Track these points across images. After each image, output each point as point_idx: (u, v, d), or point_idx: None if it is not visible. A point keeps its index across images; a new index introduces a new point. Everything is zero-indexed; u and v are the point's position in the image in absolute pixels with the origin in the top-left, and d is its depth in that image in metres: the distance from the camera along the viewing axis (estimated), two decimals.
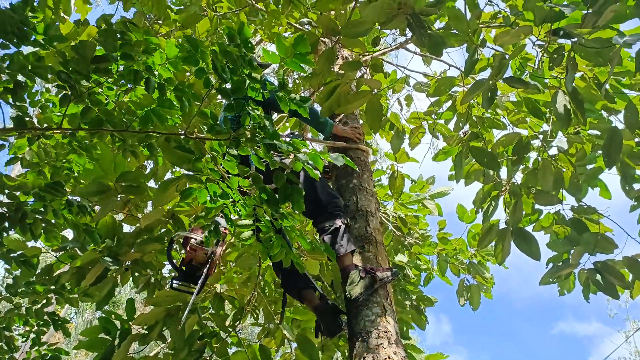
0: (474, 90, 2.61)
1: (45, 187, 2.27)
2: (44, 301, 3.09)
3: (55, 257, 2.95)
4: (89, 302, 3.23)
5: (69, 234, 3.01)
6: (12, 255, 2.54)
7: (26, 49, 2.12)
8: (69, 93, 1.98)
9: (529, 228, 3.66)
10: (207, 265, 2.44)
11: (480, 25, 2.72)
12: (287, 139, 2.42)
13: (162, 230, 3.03)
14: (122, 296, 12.77)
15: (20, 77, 2.05)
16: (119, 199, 2.83)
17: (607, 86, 2.99)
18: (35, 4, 2.09)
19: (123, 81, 2.03)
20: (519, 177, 3.56)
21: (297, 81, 5.27)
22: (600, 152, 3.18)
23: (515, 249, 3.23)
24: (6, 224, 2.26)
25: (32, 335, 3.16)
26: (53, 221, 2.43)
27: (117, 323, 2.90)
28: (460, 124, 3.75)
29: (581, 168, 3.32)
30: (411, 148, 4.53)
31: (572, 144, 3.28)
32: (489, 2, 3.04)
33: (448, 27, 2.65)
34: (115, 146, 2.27)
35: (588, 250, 2.97)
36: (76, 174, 2.67)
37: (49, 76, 2.03)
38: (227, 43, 1.82)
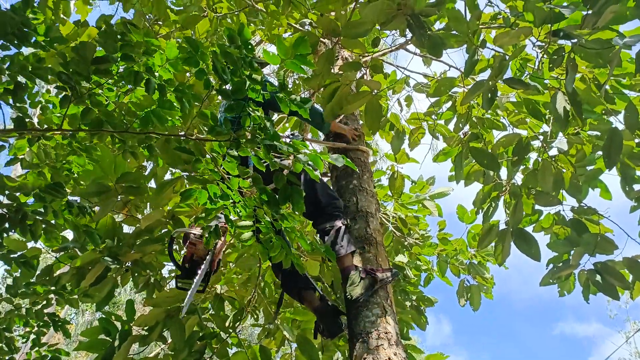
0: (474, 91, 2.61)
1: (46, 188, 2.27)
2: (44, 302, 3.09)
3: (55, 257, 2.95)
4: (89, 303, 3.22)
5: (69, 234, 3.01)
6: (12, 256, 2.54)
7: (26, 50, 2.12)
8: (69, 94, 1.98)
9: (529, 229, 3.66)
10: (209, 257, 2.43)
11: (480, 26, 2.73)
12: (287, 140, 2.42)
13: (163, 231, 3.03)
14: (121, 297, 12.77)
15: (20, 78, 2.05)
16: (119, 199, 2.83)
17: (607, 87, 3.00)
18: (35, 4, 2.09)
19: (123, 82, 2.03)
20: (519, 178, 3.57)
21: (297, 82, 5.28)
22: (600, 153, 3.18)
23: (516, 249, 3.24)
24: (6, 225, 2.26)
25: (32, 336, 3.16)
26: (53, 222, 2.43)
27: (117, 324, 2.90)
28: (460, 125, 3.75)
29: (581, 169, 3.32)
30: (411, 149, 4.53)
31: (572, 145, 3.28)
32: (489, 3, 3.04)
33: (448, 28, 2.65)
34: (115, 147, 2.28)
35: (588, 251, 2.97)
36: (76, 175, 2.67)
37: (49, 77, 2.03)
38: (228, 44, 1.82)
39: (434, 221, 6.71)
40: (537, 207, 3.62)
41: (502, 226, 3.39)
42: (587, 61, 2.59)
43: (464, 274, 4.81)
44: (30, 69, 2.01)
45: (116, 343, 2.84)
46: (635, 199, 3.09)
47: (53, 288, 2.96)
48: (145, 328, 2.95)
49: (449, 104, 3.98)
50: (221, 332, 3.18)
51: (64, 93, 2.01)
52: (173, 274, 3.88)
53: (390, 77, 4.41)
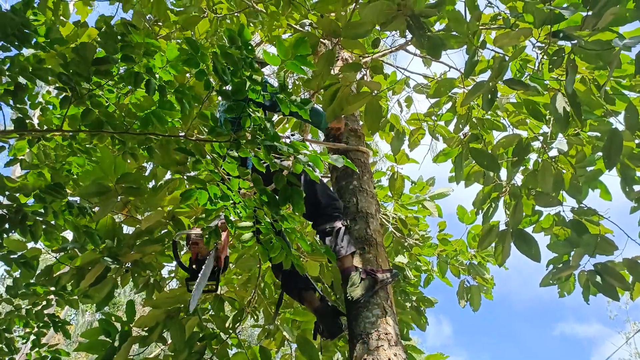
0: (474, 92, 2.61)
1: (46, 188, 2.27)
2: (44, 303, 3.09)
3: (55, 258, 2.95)
4: (89, 304, 3.22)
5: (69, 235, 3.01)
6: (12, 256, 2.54)
7: (26, 51, 2.13)
8: (70, 95, 1.98)
9: (529, 229, 3.66)
10: (213, 253, 2.43)
11: (480, 27, 2.73)
12: (287, 141, 2.42)
13: (163, 232, 3.03)
14: (121, 298, 12.77)
15: (21, 79, 2.05)
16: (118, 200, 2.83)
17: (607, 88, 3.00)
18: (35, 5, 2.09)
19: (123, 84, 2.03)
20: (519, 179, 3.57)
21: (297, 82, 5.28)
22: (600, 153, 3.18)
23: (516, 250, 3.24)
24: (7, 226, 2.26)
25: (32, 337, 3.16)
26: (53, 222, 2.43)
27: (117, 325, 2.90)
28: (460, 126, 3.75)
29: (581, 170, 3.32)
30: (411, 149, 4.53)
31: (572, 146, 3.28)
32: (489, 4, 3.04)
33: (448, 29, 2.65)
34: (115, 148, 2.28)
35: (588, 251, 2.97)
36: (75, 175, 2.67)
37: (50, 78, 2.03)
38: (228, 45, 1.83)
39: (434, 222, 6.71)
40: (537, 207, 3.62)
41: (502, 227, 3.39)
42: (587, 62, 2.59)
43: (464, 274, 4.82)
44: (30, 70, 2.01)
45: (116, 344, 2.84)
46: (635, 199, 3.09)
47: (53, 289, 2.96)
48: (145, 329, 2.95)
49: (449, 104, 3.98)
50: (221, 333, 3.18)
51: (64, 94, 2.01)
52: (173, 275, 3.88)
53: (390, 77, 4.41)
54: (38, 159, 2.64)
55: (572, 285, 3.54)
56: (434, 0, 2.58)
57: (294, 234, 2.07)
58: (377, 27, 2.67)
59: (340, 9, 3.15)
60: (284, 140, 2.21)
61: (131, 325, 2.91)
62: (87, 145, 2.41)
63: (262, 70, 3.21)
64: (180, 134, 2.05)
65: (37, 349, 3.20)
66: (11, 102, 2.06)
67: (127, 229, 3.11)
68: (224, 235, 2.46)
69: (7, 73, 1.99)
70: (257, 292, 3.67)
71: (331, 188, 3.16)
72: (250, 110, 1.90)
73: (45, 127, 2.38)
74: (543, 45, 2.64)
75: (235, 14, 4.10)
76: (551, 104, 2.61)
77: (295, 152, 1.91)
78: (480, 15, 2.63)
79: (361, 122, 3.69)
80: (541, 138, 3.41)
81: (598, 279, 2.96)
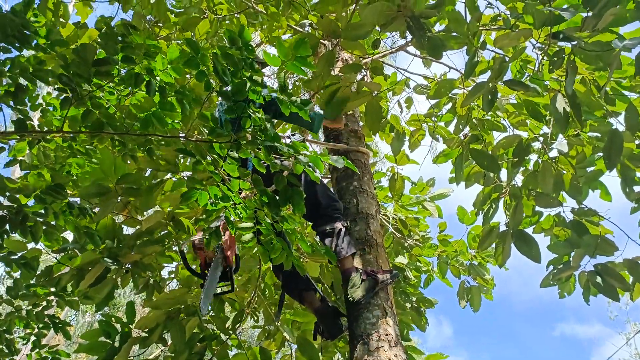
0: (474, 93, 2.61)
1: (46, 189, 2.27)
2: (45, 304, 3.09)
3: (55, 258, 2.95)
4: (89, 305, 3.22)
5: (69, 235, 3.01)
6: (12, 257, 2.54)
7: (26, 52, 2.12)
8: (70, 96, 1.98)
9: (529, 230, 3.66)
10: (218, 254, 2.43)
11: (480, 28, 2.73)
12: (288, 141, 2.41)
13: (163, 233, 3.03)
14: (121, 299, 12.76)
15: (21, 81, 2.05)
16: (119, 200, 2.83)
17: (607, 89, 3.00)
18: (35, 6, 2.09)
19: (124, 86, 2.03)
20: (519, 180, 3.57)
21: (297, 83, 5.28)
22: (600, 154, 3.18)
23: (516, 251, 3.24)
24: (7, 227, 2.26)
25: (33, 338, 3.16)
26: (53, 223, 2.43)
27: (117, 326, 2.90)
28: (461, 126, 3.75)
29: (581, 170, 3.32)
30: (411, 150, 4.53)
31: (572, 147, 3.28)
32: (489, 5, 3.04)
33: (448, 30, 2.65)
34: (115, 150, 2.28)
35: (588, 252, 2.97)
36: (75, 177, 2.67)
37: (50, 79, 2.03)
38: (228, 46, 1.83)
39: (434, 222, 6.71)
40: (537, 208, 3.62)
41: (502, 228, 3.39)
42: (587, 63, 2.59)
43: (464, 275, 4.81)
44: (31, 71, 2.01)
45: (116, 345, 2.84)
46: (635, 200, 3.09)
47: (53, 290, 2.96)
48: (146, 330, 2.95)
49: (449, 105, 3.98)
50: (221, 334, 3.17)
51: (64, 95, 2.01)
52: (173, 275, 3.88)
53: (390, 78, 4.42)
54: (38, 160, 2.64)
55: (573, 285, 3.54)
56: (434, 1, 2.58)
57: (294, 235, 2.07)
58: (377, 28, 2.67)
59: (340, 10, 3.15)
60: (284, 140, 2.21)
61: (131, 326, 2.90)
62: (87, 147, 2.41)
63: (263, 70, 3.21)
64: (180, 135, 2.05)
65: (37, 350, 3.19)
66: (11, 103, 2.06)
67: (127, 230, 3.11)
68: (226, 235, 2.46)
69: (7, 74, 1.98)
70: (257, 292, 3.67)
71: (331, 189, 3.16)
72: (251, 111, 1.90)
73: (45, 129, 2.38)
74: (543, 46, 2.64)
75: (236, 15, 4.10)
76: (551, 104, 2.62)
77: (296, 152, 1.91)
78: (480, 16, 2.63)
79: (361, 123, 3.69)
80: (541, 139, 3.41)
81: (598, 279, 2.96)
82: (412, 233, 4.74)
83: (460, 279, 4.79)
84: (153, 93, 1.96)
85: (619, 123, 2.93)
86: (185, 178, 2.65)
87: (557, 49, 2.57)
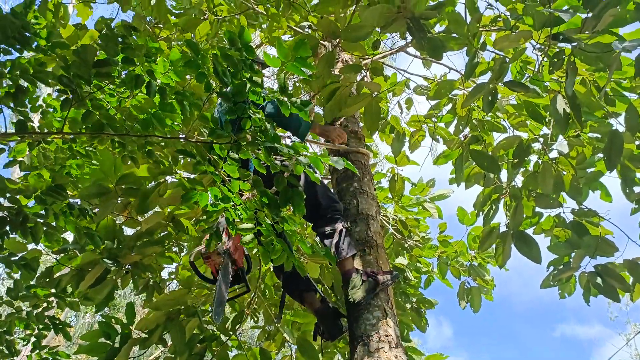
0: (474, 94, 2.61)
1: (47, 190, 2.27)
2: (45, 305, 3.09)
3: (55, 259, 2.95)
4: (89, 306, 3.22)
5: (69, 236, 3.01)
6: (12, 258, 2.54)
7: (27, 54, 2.12)
8: (70, 97, 1.98)
9: (530, 231, 3.66)
10: (225, 259, 2.43)
11: (480, 29, 2.73)
12: (288, 141, 2.41)
13: (163, 234, 3.03)
14: (121, 300, 12.75)
15: (22, 82, 2.05)
16: (119, 201, 2.83)
17: (607, 90, 3.00)
18: (35, 7, 2.09)
19: (125, 88, 2.03)
20: (519, 180, 3.57)
21: (297, 84, 5.28)
22: (600, 155, 3.18)
23: (516, 251, 3.24)
24: (7, 228, 2.26)
25: (33, 339, 3.16)
26: (54, 224, 2.43)
27: (117, 327, 2.90)
28: (461, 127, 3.75)
29: (582, 171, 3.32)
30: (411, 151, 4.53)
31: (572, 147, 3.28)
32: (489, 6, 3.05)
33: (448, 31, 2.66)
34: (115, 151, 2.28)
35: (589, 253, 2.97)
36: (74, 178, 2.67)
37: (50, 80, 2.03)
38: (228, 47, 1.83)
39: (435, 223, 6.72)
40: (537, 209, 3.62)
41: (502, 228, 3.39)
42: (587, 64, 2.59)
43: (464, 276, 4.82)
44: (31, 72, 2.01)
45: (116, 346, 2.84)
46: (635, 201, 3.09)
47: (53, 291, 2.96)
48: (146, 331, 2.95)
49: (449, 106, 3.98)
50: (221, 335, 3.18)
51: (64, 96, 2.01)
52: (173, 276, 3.88)
53: (390, 79, 4.42)
54: (37, 162, 2.64)
55: (573, 286, 3.54)
56: (434, 2, 2.58)
57: (294, 236, 2.07)
58: (377, 29, 2.67)
59: (340, 11, 3.16)
60: (284, 141, 2.21)
61: (131, 327, 2.90)
62: (87, 148, 2.41)
63: (263, 71, 3.21)
64: (181, 136, 2.05)
65: (37, 351, 3.20)
66: (12, 104, 2.06)
67: (127, 231, 3.11)
68: (231, 241, 2.46)
69: (8, 76, 1.99)
70: (257, 293, 3.67)
71: (331, 189, 3.16)
72: (251, 111, 1.90)
73: (45, 130, 2.38)
74: (543, 47, 2.64)
75: (236, 16, 4.10)
76: (551, 105, 2.62)
77: (296, 153, 1.92)
78: (480, 17, 2.63)
79: (361, 124, 3.69)
80: (541, 140, 3.41)
81: (599, 280, 2.96)
82: (412, 234, 4.74)
83: (461, 280, 4.80)
84: (153, 94, 1.96)
85: (619, 124, 2.93)
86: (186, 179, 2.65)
87: (557, 50, 2.57)
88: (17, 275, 2.93)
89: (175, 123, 2.11)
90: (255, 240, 2.05)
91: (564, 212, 3.38)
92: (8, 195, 2.28)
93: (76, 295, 2.95)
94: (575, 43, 2.32)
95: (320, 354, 3.30)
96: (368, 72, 3.92)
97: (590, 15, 2.24)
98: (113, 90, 2.06)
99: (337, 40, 3.13)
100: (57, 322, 3.10)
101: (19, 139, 2.36)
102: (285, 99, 1.91)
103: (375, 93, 3.15)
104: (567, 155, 3.28)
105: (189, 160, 3.02)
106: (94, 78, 1.97)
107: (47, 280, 2.97)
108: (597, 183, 3.43)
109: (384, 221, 4.50)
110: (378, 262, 2.72)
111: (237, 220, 2.02)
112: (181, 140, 2.08)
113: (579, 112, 2.49)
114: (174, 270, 3.78)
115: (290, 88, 5.33)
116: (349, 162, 2.06)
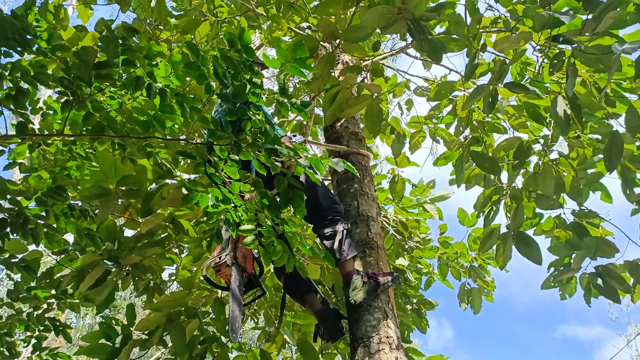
0: (475, 96, 2.62)
1: (47, 191, 2.27)
2: (45, 306, 3.09)
3: (56, 260, 2.95)
4: (90, 307, 3.22)
5: (69, 237, 3.01)
6: (13, 260, 2.54)
7: (27, 56, 2.13)
8: (71, 99, 1.98)
9: (530, 232, 3.65)
10: (234, 269, 2.46)
11: (481, 31, 2.73)
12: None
13: (163, 235, 3.03)
14: (122, 302, 12.75)
15: (22, 84, 2.05)
16: (119, 202, 2.83)
17: (608, 90, 3.00)
18: (36, 9, 2.10)
19: (125, 91, 2.03)
20: (519, 181, 3.57)
21: (297, 85, 5.29)
22: (601, 156, 3.18)
23: (517, 253, 3.23)
24: (8, 230, 2.26)
25: (33, 341, 3.16)
26: (55, 225, 2.43)
27: (118, 328, 2.90)
28: (461, 128, 3.76)
29: (582, 172, 3.32)
30: (412, 152, 4.53)
31: (572, 148, 3.28)
32: (489, 7, 3.05)
33: (448, 32, 2.66)
34: (115, 152, 2.28)
35: (589, 254, 2.97)
36: (74, 179, 2.67)
37: (50, 82, 2.03)
38: (228, 48, 1.83)
39: (435, 224, 6.72)
40: (538, 210, 3.62)
41: (503, 229, 3.38)
42: (587, 66, 2.59)
43: (464, 277, 4.81)
44: (32, 74, 2.01)
45: (117, 347, 2.84)
46: (636, 202, 3.08)
47: (54, 293, 2.96)
48: (146, 332, 2.95)
49: (450, 107, 3.98)
50: (222, 336, 3.17)
51: (65, 98, 2.01)
52: (173, 277, 3.88)
53: (390, 80, 4.42)
54: (37, 163, 2.65)
55: (574, 287, 3.53)
56: (434, 3, 2.59)
57: (294, 238, 2.07)
58: (378, 31, 2.68)
59: (340, 12, 3.16)
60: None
61: (132, 328, 2.90)
62: (87, 150, 2.41)
63: (263, 72, 3.21)
64: (181, 138, 2.06)
65: (38, 352, 3.20)
66: (12, 106, 2.06)
67: (128, 232, 3.12)
68: (238, 251, 2.49)
69: (8, 78, 1.99)
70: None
71: (332, 190, 3.16)
72: (251, 113, 1.90)
73: (46, 132, 2.38)
74: (543, 48, 2.64)
75: (236, 18, 4.11)
76: (552, 106, 2.62)
77: (296, 155, 1.92)
78: (480, 18, 2.63)
79: (362, 125, 3.69)
80: (542, 141, 3.41)
81: (599, 281, 2.96)
82: (412, 235, 4.74)
83: (461, 281, 4.79)
84: (153, 96, 1.96)
85: (619, 125, 2.93)
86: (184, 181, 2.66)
87: (557, 51, 2.57)
88: (17, 277, 2.93)
89: (176, 125, 2.11)
90: (256, 241, 2.05)
91: (564, 213, 3.38)
92: (9, 196, 2.28)
93: (77, 297, 2.95)
94: (576, 45, 2.32)
95: (320, 355, 3.29)
96: (368, 74, 3.92)
97: (590, 17, 2.24)
98: (113, 93, 2.06)
99: (338, 41, 3.13)
100: (58, 323, 3.10)
101: (19, 140, 2.36)
102: (285, 100, 1.91)
103: (376, 94, 3.15)
104: (568, 156, 3.27)
105: (189, 161, 3.02)
106: (95, 80, 1.97)
107: (48, 281, 2.97)
108: (597, 184, 3.43)
109: (384, 222, 4.50)
110: (379, 263, 2.72)
111: (238, 221, 2.02)
112: (181, 142, 2.08)
113: (579, 113, 2.49)
114: (174, 271, 3.79)
115: (290, 89, 5.33)
116: (349, 164, 2.06)
